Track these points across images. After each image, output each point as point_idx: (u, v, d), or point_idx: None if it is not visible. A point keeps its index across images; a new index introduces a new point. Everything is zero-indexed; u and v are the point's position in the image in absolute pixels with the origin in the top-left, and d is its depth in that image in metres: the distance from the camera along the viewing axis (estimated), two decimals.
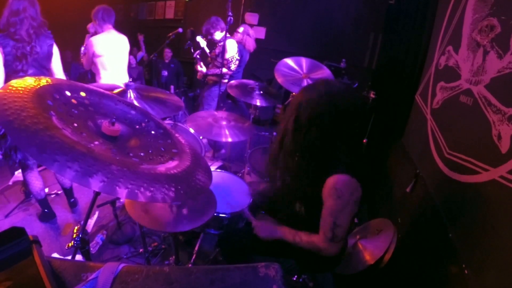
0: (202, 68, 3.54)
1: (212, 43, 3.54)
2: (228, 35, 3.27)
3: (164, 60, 5.33)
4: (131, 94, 1.72)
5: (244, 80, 2.86)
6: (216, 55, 3.43)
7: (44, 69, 1.99)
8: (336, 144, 1.19)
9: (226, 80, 3.41)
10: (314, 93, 1.17)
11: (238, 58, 3.40)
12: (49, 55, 1.99)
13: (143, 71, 5.57)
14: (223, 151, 3.35)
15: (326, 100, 1.14)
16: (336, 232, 1.18)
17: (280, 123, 1.33)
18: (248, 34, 3.90)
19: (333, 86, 1.18)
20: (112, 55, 2.58)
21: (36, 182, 2.11)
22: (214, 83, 3.49)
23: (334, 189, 1.14)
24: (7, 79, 1.83)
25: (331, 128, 1.16)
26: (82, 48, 2.91)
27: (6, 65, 1.82)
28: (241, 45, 3.83)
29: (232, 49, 3.34)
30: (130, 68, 2.87)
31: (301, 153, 1.23)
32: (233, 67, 3.37)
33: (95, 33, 2.63)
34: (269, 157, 1.40)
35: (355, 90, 3.05)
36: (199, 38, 3.60)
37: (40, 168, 2.20)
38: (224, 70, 3.31)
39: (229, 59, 3.32)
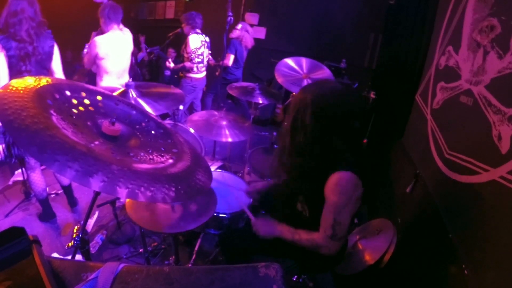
0: (170, 64, 3.74)
1: (182, 38, 3.69)
2: (198, 30, 3.52)
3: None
4: (132, 93, 1.72)
5: (244, 83, 2.87)
6: (182, 51, 3.62)
7: (44, 69, 1.98)
8: (337, 143, 1.20)
9: (196, 75, 3.59)
10: (316, 93, 1.19)
11: (201, 52, 3.51)
12: (50, 56, 1.98)
13: (140, 73, 5.56)
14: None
15: (328, 100, 1.17)
16: (336, 229, 1.19)
17: (282, 122, 1.36)
18: (247, 31, 3.92)
19: (334, 87, 1.21)
20: (115, 57, 2.53)
21: (39, 182, 2.11)
22: (184, 78, 3.67)
23: (336, 185, 1.16)
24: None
25: (333, 127, 1.18)
26: (86, 46, 2.82)
27: (10, 67, 1.81)
28: (237, 41, 3.87)
29: (193, 42, 3.46)
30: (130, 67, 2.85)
31: (303, 152, 1.24)
32: (196, 60, 3.50)
33: (101, 31, 2.57)
34: (275, 156, 1.41)
35: (354, 90, 3.06)
36: None
37: (40, 168, 2.20)
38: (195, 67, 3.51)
39: (191, 51, 3.45)
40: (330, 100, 1.17)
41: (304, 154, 1.24)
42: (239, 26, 3.93)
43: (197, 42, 3.48)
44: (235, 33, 3.89)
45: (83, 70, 4.73)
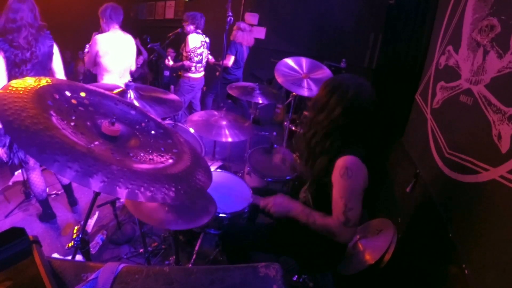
0: (169, 62, 3.76)
1: (182, 38, 3.69)
2: (199, 31, 3.54)
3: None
4: (131, 94, 1.72)
5: (244, 83, 2.87)
6: (182, 50, 3.65)
7: (45, 70, 1.97)
8: (354, 133, 1.25)
9: (194, 75, 3.61)
10: (357, 85, 1.23)
11: (201, 52, 3.54)
12: (50, 56, 1.98)
13: (146, 73, 5.56)
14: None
15: (365, 95, 1.23)
16: (349, 215, 1.18)
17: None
18: (240, 28, 3.92)
19: (369, 85, 1.27)
20: (116, 56, 2.54)
21: (39, 183, 2.11)
22: (182, 77, 3.69)
23: (344, 168, 1.17)
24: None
25: (360, 119, 1.22)
26: (87, 46, 2.81)
27: (7, 69, 1.79)
28: (233, 40, 3.87)
29: (193, 42, 3.47)
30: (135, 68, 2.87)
31: (323, 132, 1.28)
32: (195, 59, 3.52)
33: (101, 31, 2.58)
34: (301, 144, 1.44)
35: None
36: None
37: (40, 168, 2.20)
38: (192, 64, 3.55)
39: (190, 50, 3.48)
40: (366, 95, 1.23)
41: (324, 134, 1.27)
42: (235, 27, 3.94)
43: (196, 41, 3.49)
44: (232, 34, 3.90)
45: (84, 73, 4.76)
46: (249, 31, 4.04)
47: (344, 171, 1.17)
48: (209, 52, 3.76)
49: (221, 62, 3.79)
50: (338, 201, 1.20)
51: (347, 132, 1.24)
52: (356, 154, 1.19)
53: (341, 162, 1.18)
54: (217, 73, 3.97)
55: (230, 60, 3.81)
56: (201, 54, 3.56)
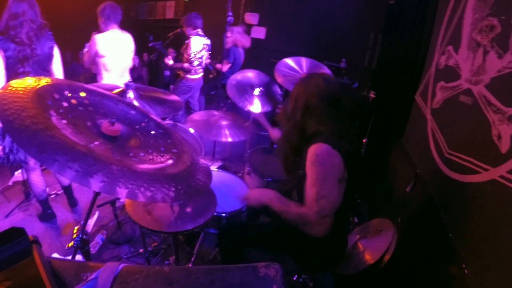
0: (169, 61, 3.73)
1: (182, 38, 3.68)
2: (200, 32, 3.53)
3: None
4: (131, 94, 1.72)
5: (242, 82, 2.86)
6: (183, 51, 3.64)
7: (44, 71, 1.98)
8: (324, 122, 1.28)
9: (192, 76, 3.62)
10: (320, 77, 1.35)
11: (201, 55, 3.55)
12: (50, 57, 1.99)
13: (147, 73, 5.55)
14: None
15: (331, 86, 1.31)
16: (321, 203, 1.14)
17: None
18: (238, 32, 3.92)
19: (332, 82, 1.35)
20: (115, 55, 2.55)
21: (39, 183, 2.12)
22: (181, 78, 3.69)
23: (315, 155, 1.17)
24: (9, 81, 1.82)
25: (330, 108, 1.28)
26: (87, 46, 2.83)
27: (8, 68, 1.81)
28: (235, 48, 3.88)
29: (195, 46, 3.46)
30: (132, 69, 2.86)
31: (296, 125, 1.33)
32: (195, 63, 3.52)
33: (100, 31, 2.60)
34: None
35: (349, 87, 3.09)
36: None
37: (40, 168, 2.20)
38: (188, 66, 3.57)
39: (192, 55, 3.48)
40: (334, 82, 1.34)
41: (296, 126, 1.32)
42: (228, 33, 3.92)
43: (198, 45, 3.48)
44: (229, 41, 3.87)
45: (85, 74, 4.75)
46: (245, 33, 4.05)
47: (314, 158, 1.16)
48: (209, 53, 3.75)
49: (217, 66, 3.80)
50: (310, 189, 1.16)
51: (320, 118, 1.27)
52: (328, 142, 1.18)
53: (311, 150, 1.18)
54: (210, 76, 4.00)
55: (226, 67, 3.81)
56: (201, 57, 3.55)
